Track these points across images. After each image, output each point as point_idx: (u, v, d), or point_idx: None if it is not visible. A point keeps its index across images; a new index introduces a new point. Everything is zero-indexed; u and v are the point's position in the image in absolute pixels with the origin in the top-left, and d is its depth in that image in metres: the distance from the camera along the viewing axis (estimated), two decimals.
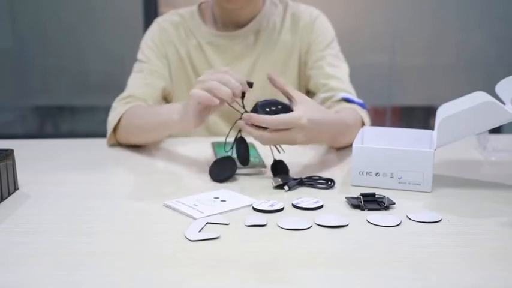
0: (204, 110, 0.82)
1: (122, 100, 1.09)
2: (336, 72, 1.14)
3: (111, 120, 1.05)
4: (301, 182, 0.79)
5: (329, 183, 0.79)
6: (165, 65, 1.17)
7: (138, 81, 1.14)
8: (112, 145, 1.06)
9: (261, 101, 0.79)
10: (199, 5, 1.22)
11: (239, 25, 1.17)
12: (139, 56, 1.18)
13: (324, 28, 1.19)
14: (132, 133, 1.02)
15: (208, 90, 0.77)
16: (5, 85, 2.51)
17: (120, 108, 1.06)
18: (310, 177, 0.81)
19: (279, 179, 0.78)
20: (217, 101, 0.77)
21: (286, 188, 0.77)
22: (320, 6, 1.23)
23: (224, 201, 0.71)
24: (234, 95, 0.78)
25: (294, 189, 0.78)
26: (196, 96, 0.78)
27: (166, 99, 1.19)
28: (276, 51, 1.18)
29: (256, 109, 0.79)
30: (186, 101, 0.84)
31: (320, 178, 0.81)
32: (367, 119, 1.06)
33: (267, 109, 0.78)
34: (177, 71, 1.18)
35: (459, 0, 2.42)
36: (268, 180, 0.81)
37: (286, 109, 0.79)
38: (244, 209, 0.69)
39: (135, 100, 1.08)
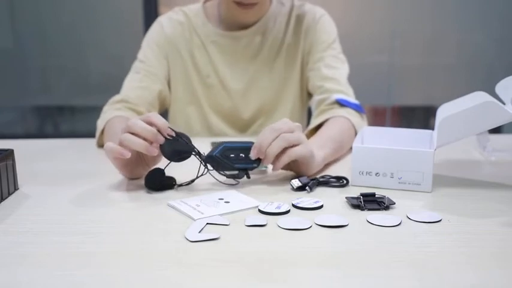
0: (130, 163, 0.77)
1: (114, 104, 1.08)
2: (332, 74, 1.12)
3: (99, 124, 1.05)
4: (318, 182, 0.79)
5: (341, 181, 0.80)
6: (163, 66, 1.16)
7: (133, 83, 1.13)
8: (100, 147, 1.06)
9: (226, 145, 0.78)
10: (204, 3, 1.19)
11: (245, 25, 1.15)
12: (139, 55, 1.17)
13: (327, 29, 1.17)
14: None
15: (120, 144, 0.73)
16: (5, 85, 2.52)
17: (109, 112, 1.05)
18: (322, 177, 0.81)
19: (299, 181, 0.77)
20: (128, 154, 0.71)
21: (308, 189, 0.76)
22: (320, 6, 1.22)
23: (228, 202, 0.71)
24: (153, 140, 0.72)
25: (314, 189, 0.77)
26: (108, 151, 0.73)
27: (164, 104, 1.18)
28: (280, 56, 1.17)
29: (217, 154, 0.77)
30: None
31: (331, 177, 0.81)
32: (359, 124, 1.02)
33: (232, 155, 0.77)
34: (176, 72, 1.17)
35: (459, 0, 2.42)
36: (268, 180, 0.81)
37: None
38: (247, 210, 0.69)
39: (125, 106, 1.07)
